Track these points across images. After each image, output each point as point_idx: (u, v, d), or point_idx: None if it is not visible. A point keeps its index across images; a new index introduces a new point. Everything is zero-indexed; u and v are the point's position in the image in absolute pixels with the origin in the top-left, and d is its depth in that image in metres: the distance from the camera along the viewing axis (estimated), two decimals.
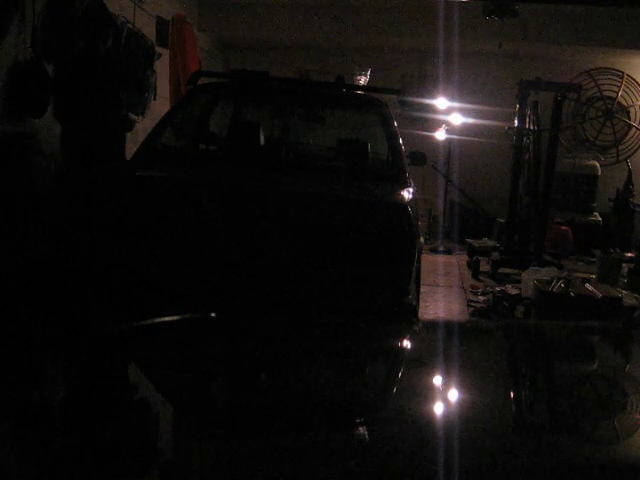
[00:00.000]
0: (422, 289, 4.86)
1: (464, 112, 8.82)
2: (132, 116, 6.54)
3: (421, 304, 4.69)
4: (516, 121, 7.69)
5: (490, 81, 9.50)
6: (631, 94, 9.79)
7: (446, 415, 1.06)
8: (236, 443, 0.91)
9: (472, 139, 9.09)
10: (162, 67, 7.32)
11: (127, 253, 3.36)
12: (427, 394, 1.18)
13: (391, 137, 4.61)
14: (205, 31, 9.04)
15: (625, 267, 6.89)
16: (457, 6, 8.05)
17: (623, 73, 9.66)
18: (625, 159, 9.52)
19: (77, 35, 5.22)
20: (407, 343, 1.60)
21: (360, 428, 1.00)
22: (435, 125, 8.95)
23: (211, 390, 1.14)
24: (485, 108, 8.64)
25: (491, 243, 8.25)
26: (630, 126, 9.83)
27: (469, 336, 1.57)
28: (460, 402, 1.12)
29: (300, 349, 1.39)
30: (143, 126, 6.27)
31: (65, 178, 4.93)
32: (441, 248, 8.84)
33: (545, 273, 5.84)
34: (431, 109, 8.81)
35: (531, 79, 7.57)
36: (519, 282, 6.23)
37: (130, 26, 6.27)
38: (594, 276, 6.84)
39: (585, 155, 9.62)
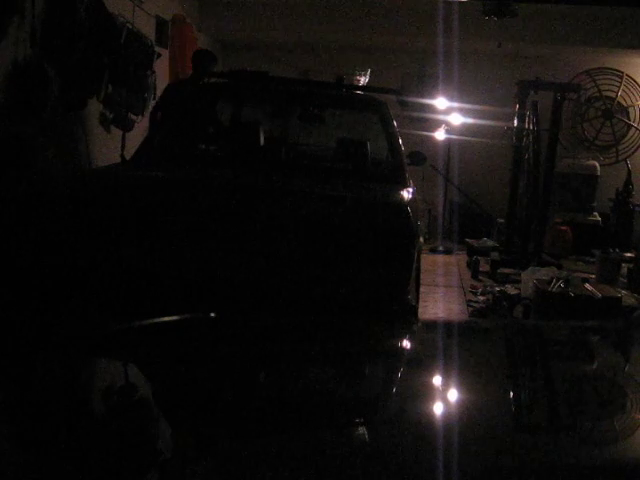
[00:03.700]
0: (422, 289, 4.86)
1: (464, 112, 8.81)
2: (132, 116, 6.54)
3: (421, 304, 4.68)
4: (516, 121, 7.68)
5: (490, 81, 9.49)
6: (631, 94, 9.79)
7: (446, 415, 1.06)
8: (236, 443, 0.90)
9: (472, 139, 9.09)
10: (162, 67, 7.32)
11: (125, 253, 3.36)
12: (427, 394, 1.18)
13: (391, 137, 4.61)
14: (205, 31, 9.03)
15: (625, 267, 6.89)
16: (457, 6, 8.05)
17: (623, 73, 9.66)
18: (625, 159, 9.52)
19: (77, 35, 5.22)
20: (407, 343, 1.60)
21: (360, 428, 1.00)
22: (435, 125, 8.94)
23: (211, 390, 1.14)
24: (485, 108, 8.63)
25: (491, 243, 8.24)
26: (630, 126, 9.82)
27: (469, 336, 1.57)
28: (460, 402, 1.12)
29: (300, 349, 1.39)
30: (143, 126, 6.27)
31: (64, 178, 4.92)
32: (441, 248, 8.83)
33: (545, 273, 5.83)
34: (431, 109, 8.80)
35: (531, 79, 7.57)
36: (519, 282, 6.22)
37: (130, 26, 6.27)
38: (594, 276, 6.84)
39: (585, 155, 9.62)
